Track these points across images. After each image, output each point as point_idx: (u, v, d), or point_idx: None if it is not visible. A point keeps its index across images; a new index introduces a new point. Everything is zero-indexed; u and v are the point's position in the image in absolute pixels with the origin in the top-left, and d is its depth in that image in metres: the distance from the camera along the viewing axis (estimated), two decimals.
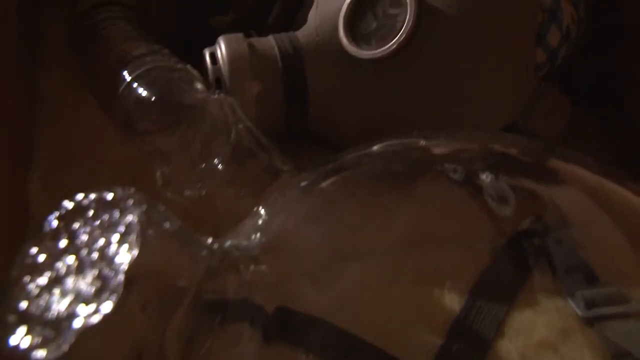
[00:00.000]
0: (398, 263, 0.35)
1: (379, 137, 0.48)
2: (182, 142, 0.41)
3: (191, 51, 0.51)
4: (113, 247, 0.28)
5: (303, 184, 0.38)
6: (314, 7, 0.51)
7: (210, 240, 0.32)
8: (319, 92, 0.48)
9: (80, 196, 0.30)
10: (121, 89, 0.43)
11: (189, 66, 0.44)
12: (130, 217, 0.29)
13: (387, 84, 0.47)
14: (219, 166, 0.40)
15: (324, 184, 0.38)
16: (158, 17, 0.54)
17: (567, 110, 0.49)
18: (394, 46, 0.45)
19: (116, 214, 0.29)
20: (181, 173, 0.41)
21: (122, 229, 0.29)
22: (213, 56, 0.48)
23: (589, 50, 0.53)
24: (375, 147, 0.37)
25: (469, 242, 0.35)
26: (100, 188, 0.49)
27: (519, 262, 0.34)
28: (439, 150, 0.37)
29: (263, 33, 0.53)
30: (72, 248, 0.30)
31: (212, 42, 0.50)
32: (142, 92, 0.42)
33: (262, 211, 0.37)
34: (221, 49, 0.48)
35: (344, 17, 0.47)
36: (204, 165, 0.40)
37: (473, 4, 0.45)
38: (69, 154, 0.53)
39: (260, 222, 0.36)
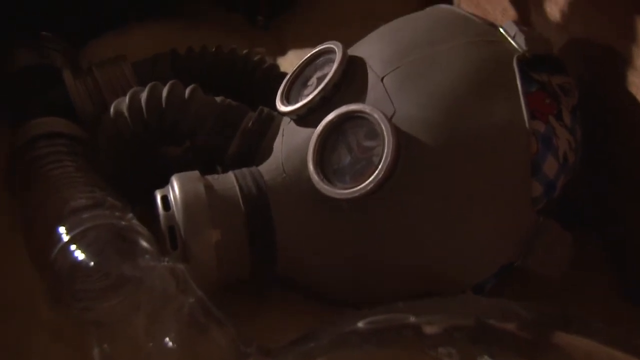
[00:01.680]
0: None
1: (356, 286, 0.43)
2: (123, 315, 0.35)
3: (143, 188, 0.45)
4: None
5: None
6: (279, 136, 0.46)
7: None
8: (288, 236, 0.43)
9: None
10: (55, 251, 0.36)
11: (134, 221, 0.38)
12: None
13: (364, 225, 0.41)
14: (169, 345, 0.33)
15: None
16: (106, 149, 0.48)
17: (570, 246, 0.43)
18: (372, 184, 0.40)
19: None
20: (124, 352, 0.34)
21: None
22: (165, 200, 0.42)
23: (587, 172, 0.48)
24: (360, 324, 0.31)
25: None
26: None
27: None
28: (430, 329, 0.31)
29: (223, 165, 0.48)
30: None
31: (167, 176, 0.44)
32: (78, 257, 0.36)
33: None
34: (174, 191, 0.42)
35: (314, 150, 0.42)
36: (151, 344, 0.34)
37: (457, 134, 0.40)
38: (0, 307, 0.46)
39: None
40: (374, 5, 0.70)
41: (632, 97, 0.44)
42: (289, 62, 0.67)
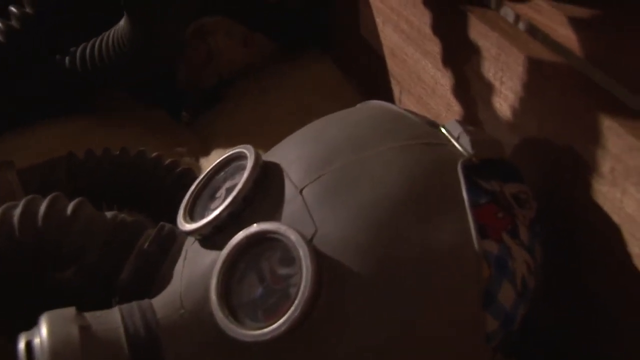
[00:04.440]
0: None
1: None
2: None
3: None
4: None
5: None
6: (181, 259, 0.39)
7: None
8: None
9: None
10: None
11: None
12: None
13: None
14: None
15: None
16: None
17: None
18: (287, 323, 0.32)
19: None
20: None
21: None
22: (29, 347, 0.34)
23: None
24: None
25: None
26: None
27: None
28: None
29: (117, 294, 0.40)
30: None
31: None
32: None
33: None
34: (41, 335, 0.34)
35: (218, 279, 0.35)
36: None
37: (391, 260, 0.34)
38: None
39: None
40: (308, 100, 0.65)
41: (600, 209, 0.37)
42: (212, 163, 0.60)
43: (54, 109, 0.64)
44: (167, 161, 0.50)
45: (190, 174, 0.50)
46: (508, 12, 0.45)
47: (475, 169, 0.37)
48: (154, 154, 0.50)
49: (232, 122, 0.65)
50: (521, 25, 0.44)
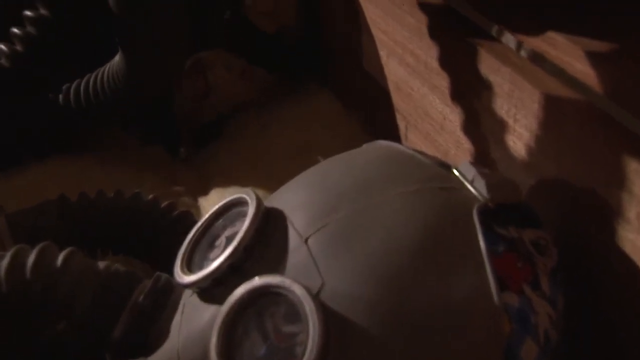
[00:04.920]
0: None
1: None
2: None
3: None
4: None
5: None
6: (178, 314, 0.36)
7: None
8: None
9: None
10: None
11: None
12: None
13: None
14: None
15: None
16: None
17: None
18: None
19: None
20: None
21: None
22: None
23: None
24: None
25: None
26: None
27: None
28: None
29: (110, 351, 0.37)
30: None
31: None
32: None
33: None
34: None
35: (218, 336, 0.32)
36: None
37: (403, 316, 0.31)
38: None
39: None
40: (310, 135, 0.62)
41: (627, 257, 0.34)
42: (212, 203, 0.58)
43: (46, 149, 0.62)
44: (164, 204, 0.48)
45: (188, 218, 0.48)
46: (509, 40, 0.43)
47: (492, 215, 0.34)
48: (150, 197, 0.48)
49: (232, 158, 0.63)
50: (523, 53, 0.42)
